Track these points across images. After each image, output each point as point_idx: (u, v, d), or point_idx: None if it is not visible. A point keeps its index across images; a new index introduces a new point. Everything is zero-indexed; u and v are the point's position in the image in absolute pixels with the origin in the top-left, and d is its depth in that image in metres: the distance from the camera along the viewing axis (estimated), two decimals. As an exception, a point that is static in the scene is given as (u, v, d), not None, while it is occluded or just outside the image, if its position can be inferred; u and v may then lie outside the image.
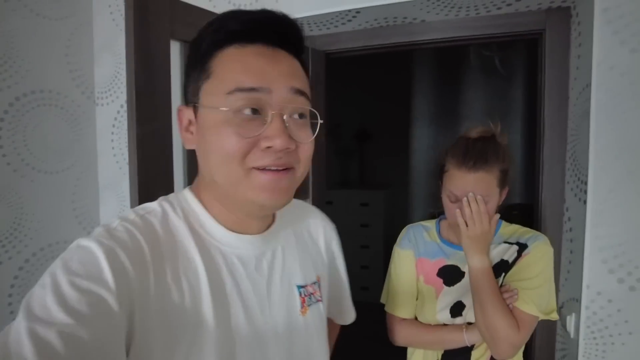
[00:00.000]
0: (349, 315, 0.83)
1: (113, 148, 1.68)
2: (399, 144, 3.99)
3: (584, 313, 1.10)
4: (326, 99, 1.58)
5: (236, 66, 0.52)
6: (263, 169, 0.51)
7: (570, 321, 1.16)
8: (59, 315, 0.41)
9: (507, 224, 1.09)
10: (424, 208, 3.06)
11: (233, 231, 0.57)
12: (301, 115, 0.55)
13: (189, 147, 0.58)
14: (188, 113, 0.57)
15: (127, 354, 0.46)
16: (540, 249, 0.99)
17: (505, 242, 1.04)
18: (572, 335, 1.16)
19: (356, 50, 1.50)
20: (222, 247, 0.56)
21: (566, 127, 1.25)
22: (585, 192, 1.09)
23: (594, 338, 1.10)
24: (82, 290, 0.43)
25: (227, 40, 0.53)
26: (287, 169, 0.53)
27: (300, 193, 1.49)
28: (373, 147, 4.15)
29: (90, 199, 1.68)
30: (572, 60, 1.22)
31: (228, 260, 0.56)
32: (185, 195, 0.59)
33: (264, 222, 0.61)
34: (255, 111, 0.51)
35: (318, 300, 0.66)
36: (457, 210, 0.97)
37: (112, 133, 1.67)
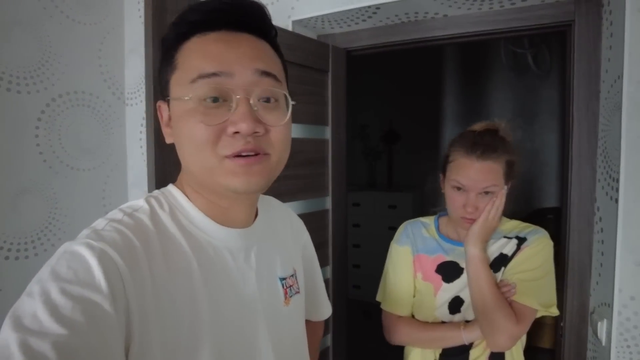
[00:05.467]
0: (325, 309, 0.82)
1: (141, 147, 1.74)
2: (428, 146, 3.92)
3: (616, 319, 1.04)
4: (347, 97, 1.57)
5: (197, 54, 0.52)
6: (235, 157, 0.51)
7: (602, 328, 1.10)
8: (52, 325, 0.39)
9: (507, 219, 1.08)
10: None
11: (221, 225, 0.57)
12: (269, 99, 0.54)
13: (169, 141, 0.58)
14: (164, 108, 0.57)
15: (127, 356, 0.45)
16: (540, 242, 0.99)
17: (505, 237, 1.04)
18: (603, 343, 1.09)
19: (377, 47, 1.49)
20: (212, 240, 0.56)
21: (597, 122, 1.18)
22: (617, 190, 1.03)
23: (628, 346, 1.03)
24: (74, 298, 0.41)
25: (189, 32, 0.53)
26: (259, 155, 0.52)
27: (319, 192, 1.49)
28: (401, 148, 4.10)
29: (119, 195, 1.75)
30: (603, 51, 1.16)
31: (219, 253, 0.56)
32: (170, 191, 0.58)
33: (250, 215, 0.61)
34: (217, 99, 0.51)
35: (297, 292, 0.67)
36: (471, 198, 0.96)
37: (141, 132, 1.74)
